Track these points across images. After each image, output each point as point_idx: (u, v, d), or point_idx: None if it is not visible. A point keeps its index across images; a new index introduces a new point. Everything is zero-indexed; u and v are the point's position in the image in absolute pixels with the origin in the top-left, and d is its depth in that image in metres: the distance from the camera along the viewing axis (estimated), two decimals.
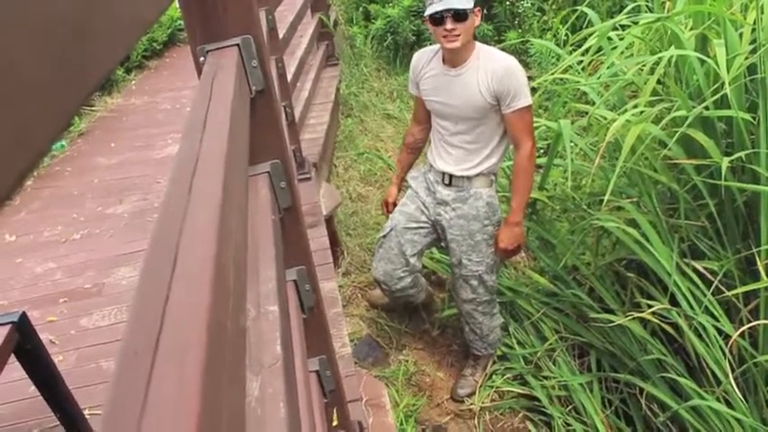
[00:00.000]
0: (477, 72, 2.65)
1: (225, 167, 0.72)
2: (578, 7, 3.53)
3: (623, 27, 3.37)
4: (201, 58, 1.13)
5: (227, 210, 0.66)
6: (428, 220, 3.01)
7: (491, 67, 2.63)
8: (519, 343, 3.34)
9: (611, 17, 5.42)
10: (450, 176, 2.86)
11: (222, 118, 0.85)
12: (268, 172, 1.17)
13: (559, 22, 5.82)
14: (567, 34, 5.71)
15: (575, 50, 4.15)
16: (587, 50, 3.10)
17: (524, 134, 2.70)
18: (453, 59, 2.68)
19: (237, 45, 1.10)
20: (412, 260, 3.07)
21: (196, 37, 1.16)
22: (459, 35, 2.57)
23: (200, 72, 1.16)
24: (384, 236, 3.10)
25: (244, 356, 0.57)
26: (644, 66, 2.82)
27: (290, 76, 3.62)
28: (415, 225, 3.03)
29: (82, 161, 4.70)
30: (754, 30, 2.60)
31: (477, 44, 2.71)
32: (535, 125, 3.40)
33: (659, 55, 2.59)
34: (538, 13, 6.00)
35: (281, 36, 3.51)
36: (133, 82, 6.60)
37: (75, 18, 0.38)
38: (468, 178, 2.84)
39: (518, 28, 6.04)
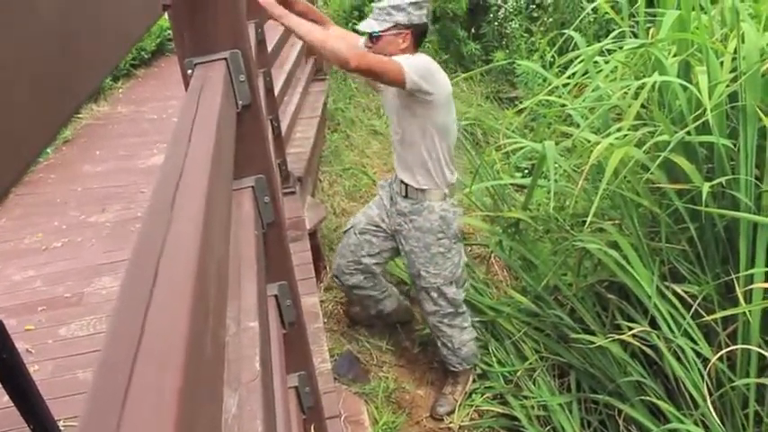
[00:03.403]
0: None
1: (209, 182, 0.72)
2: (565, 31, 3.57)
3: (609, 51, 3.42)
4: (189, 71, 1.13)
5: (209, 224, 0.66)
6: (387, 228, 3.14)
7: None
8: (499, 362, 3.34)
9: (598, 41, 5.49)
10: (407, 187, 2.97)
11: (208, 132, 0.85)
12: (252, 186, 1.17)
13: (546, 44, 5.90)
14: (553, 56, 5.79)
15: (561, 72, 4.20)
16: (573, 74, 3.13)
17: (374, 55, 2.69)
18: None
19: (225, 59, 1.10)
20: (365, 260, 3.19)
21: (184, 49, 1.16)
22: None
23: (187, 84, 1.16)
24: (344, 232, 3.28)
25: (222, 373, 0.57)
26: (628, 90, 2.85)
27: (277, 90, 3.62)
28: (373, 228, 3.17)
29: (66, 169, 4.68)
30: (734, 59, 2.65)
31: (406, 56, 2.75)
32: (520, 146, 3.43)
33: (643, 80, 2.62)
34: (525, 35, 6.06)
35: (269, 49, 3.52)
36: (120, 90, 6.58)
37: (61, 33, 0.38)
38: (423, 191, 2.94)
39: (506, 48, 6.10)
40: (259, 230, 1.16)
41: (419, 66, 2.71)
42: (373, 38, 2.79)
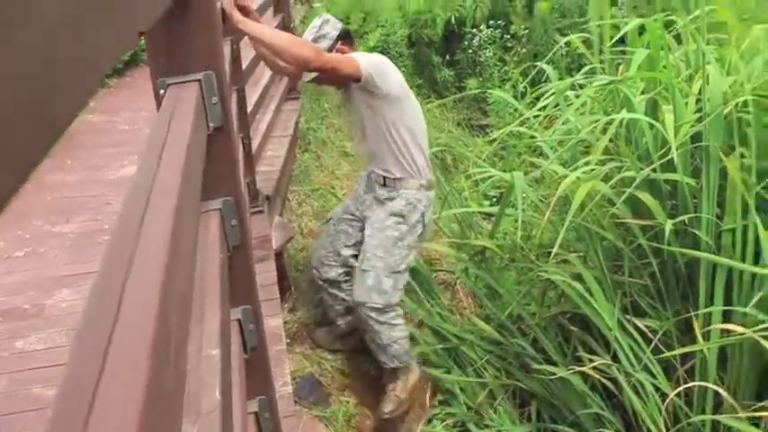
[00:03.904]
0: None
1: (177, 204, 0.72)
2: (538, 63, 3.63)
3: (580, 85, 3.48)
4: (162, 90, 1.12)
5: (177, 247, 0.65)
6: (360, 216, 3.24)
7: None
8: (461, 389, 3.34)
9: (569, 74, 5.58)
10: (384, 178, 3.09)
11: (178, 154, 0.85)
12: (219, 209, 1.16)
13: (519, 74, 5.98)
14: (525, 87, 5.87)
15: (533, 103, 4.27)
16: (545, 106, 3.18)
17: (331, 54, 2.90)
18: None
19: (199, 80, 1.10)
20: (343, 251, 3.30)
21: (158, 67, 1.16)
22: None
23: (158, 102, 1.15)
24: (324, 223, 3.45)
25: (182, 405, 0.56)
26: (597, 124, 2.90)
27: (250, 107, 3.62)
28: (349, 217, 3.29)
29: (35, 177, 4.59)
30: (699, 100, 2.71)
31: None
32: (488, 175, 3.47)
33: (611, 117, 2.67)
34: (499, 63, 6.15)
35: (244, 66, 3.51)
36: (93, 99, 6.51)
37: (44, 59, 0.38)
38: (399, 179, 3.07)
39: (479, 76, 6.18)
40: (224, 253, 1.16)
41: (371, 60, 2.90)
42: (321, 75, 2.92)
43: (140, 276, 0.57)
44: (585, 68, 3.18)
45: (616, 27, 3.67)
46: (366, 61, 2.84)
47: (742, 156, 2.60)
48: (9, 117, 0.32)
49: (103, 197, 4.15)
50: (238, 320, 1.25)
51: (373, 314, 3.08)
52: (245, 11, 2.63)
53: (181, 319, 0.60)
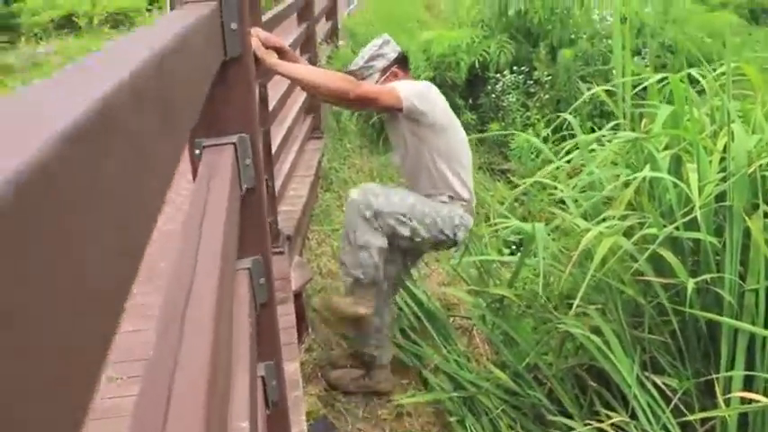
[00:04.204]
0: None
1: (221, 266, 0.74)
2: (560, 110, 3.65)
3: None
4: (197, 151, 1.15)
5: (221, 311, 0.67)
6: None
7: None
8: None
9: (592, 120, 5.62)
10: None
11: (218, 218, 0.87)
12: (249, 268, 1.18)
13: (541, 120, 6.02)
14: (548, 133, 5.90)
15: (554, 147, 4.29)
16: (569, 160, 3.20)
17: (370, 84, 2.91)
18: None
19: (234, 144, 1.13)
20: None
21: (194, 129, 1.19)
22: None
23: (192, 161, 1.18)
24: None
25: None
26: (620, 180, 2.90)
27: (275, 148, 3.66)
28: None
29: None
30: (723, 158, 2.72)
31: None
32: (506, 225, 3.47)
33: (635, 175, 2.68)
34: (521, 109, 6.18)
35: (271, 107, 3.57)
36: None
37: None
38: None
39: (501, 121, 6.21)
40: (252, 313, 1.17)
41: (414, 89, 2.88)
42: None
43: (192, 343, 0.59)
44: (610, 125, 3.19)
45: (638, 74, 3.69)
46: (409, 91, 2.83)
47: (765, 215, 2.59)
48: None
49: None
50: (262, 377, 1.26)
51: (362, 207, 2.99)
52: (280, 51, 2.66)
53: (221, 402, 0.61)
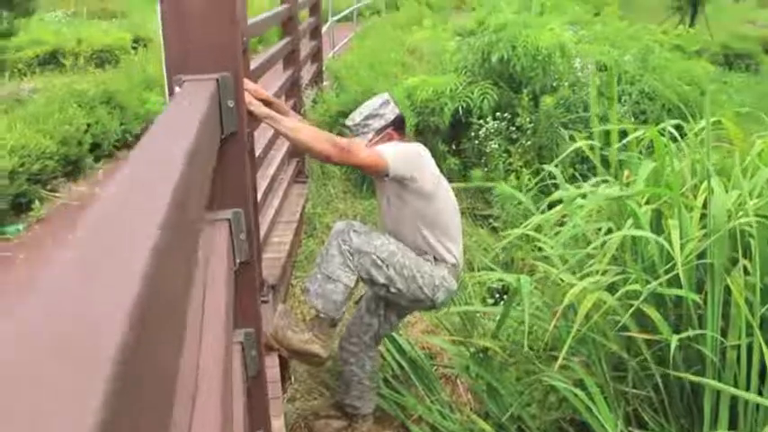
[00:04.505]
0: None
1: (222, 343, 0.74)
2: (544, 165, 3.70)
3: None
4: None
5: (227, 385, 0.67)
6: None
7: None
8: None
9: (573, 167, 5.69)
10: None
11: (217, 295, 0.87)
12: (241, 342, 1.18)
13: (523, 165, 6.09)
14: (529, 179, 5.97)
15: (537, 192, 4.34)
16: (553, 209, 3.24)
17: (359, 146, 2.85)
18: None
19: (228, 219, 1.14)
20: None
21: None
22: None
23: None
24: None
25: None
26: (601, 239, 2.93)
27: (260, 195, 3.68)
28: None
29: (37, 250, 4.62)
30: (703, 215, 2.76)
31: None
32: (491, 277, 3.48)
33: (618, 234, 2.72)
34: (504, 155, 6.25)
35: (257, 154, 3.58)
36: (100, 171, 6.59)
37: None
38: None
39: (484, 167, 6.28)
40: (244, 384, 1.17)
41: (402, 154, 2.89)
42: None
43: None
44: (593, 181, 3.23)
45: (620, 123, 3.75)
46: (396, 156, 2.84)
47: (746, 271, 2.63)
48: None
49: None
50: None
51: (341, 240, 2.99)
52: (267, 103, 2.67)
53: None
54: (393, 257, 2.97)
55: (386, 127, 3.02)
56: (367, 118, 3.02)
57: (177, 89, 1.09)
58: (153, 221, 0.45)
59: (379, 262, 2.95)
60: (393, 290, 3.01)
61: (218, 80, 1.07)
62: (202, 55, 1.07)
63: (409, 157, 2.92)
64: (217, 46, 1.07)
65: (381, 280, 2.97)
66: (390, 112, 3.05)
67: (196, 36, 1.05)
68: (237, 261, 1.17)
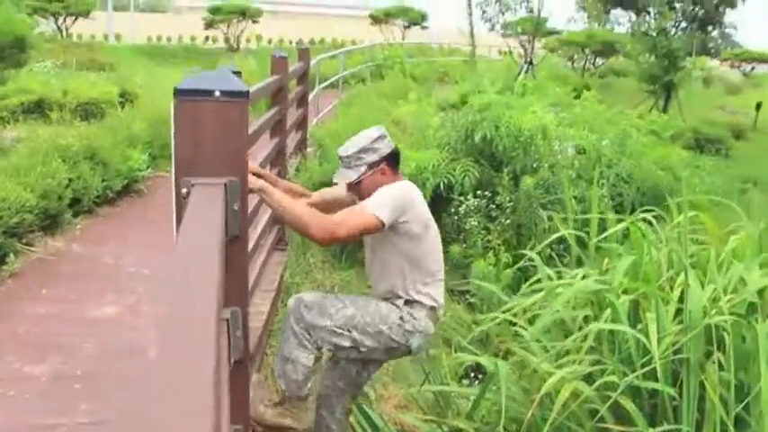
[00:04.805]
0: None
1: None
2: (525, 251, 3.76)
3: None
4: None
5: None
6: None
7: None
8: None
9: (551, 247, 5.76)
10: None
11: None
12: None
13: (502, 243, 6.18)
14: (507, 257, 6.04)
15: (515, 273, 4.38)
16: (533, 295, 3.28)
17: (349, 218, 2.81)
18: None
19: (227, 320, 1.15)
20: None
21: None
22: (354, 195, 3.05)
23: None
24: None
25: None
26: (579, 334, 2.97)
27: None
28: None
29: (7, 305, 4.54)
30: (679, 309, 2.81)
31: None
32: (465, 364, 3.49)
33: (595, 325, 2.76)
34: (483, 232, 6.34)
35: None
36: (78, 226, 6.51)
37: None
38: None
39: (462, 242, 6.35)
40: None
41: (391, 201, 2.85)
42: (354, 184, 2.99)
43: None
44: (574, 272, 3.29)
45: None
46: (387, 207, 2.80)
47: (720, 366, 2.67)
48: None
49: (79, 337, 4.07)
50: None
51: (292, 320, 2.99)
52: (258, 176, 2.68)
53: None
54: (352, 321, 2.93)
55: (379, 162, 2.98)
56: (361, 151, 2.96)
57: (184, 190, 1.13)
58: None
59: (338, 330, 2.92)
60: (363, 348, 2.97)
61: (226, 184, 1.11)
62: (212, 160, 1.11)
63: (400, 203, 2.87)
64: (226, 151, 1.12)
65: (347, 344, 2.95)
66: (385, 147, 3.00)
67: (207, 143, 1.09)
68: (233, 360, 1.18)
